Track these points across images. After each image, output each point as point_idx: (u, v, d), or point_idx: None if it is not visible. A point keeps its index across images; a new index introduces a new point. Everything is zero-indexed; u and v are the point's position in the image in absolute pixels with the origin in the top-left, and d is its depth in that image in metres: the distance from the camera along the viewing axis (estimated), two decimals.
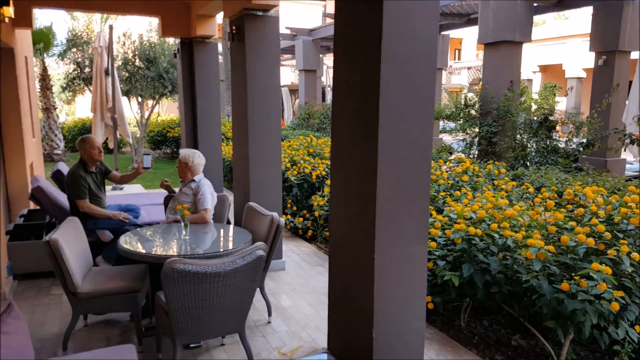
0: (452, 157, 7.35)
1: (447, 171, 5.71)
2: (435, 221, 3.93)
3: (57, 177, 6.11)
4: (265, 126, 5.04)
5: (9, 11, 4.92)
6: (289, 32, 18.16)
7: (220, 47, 14.77)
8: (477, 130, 10.46)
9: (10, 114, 6.17)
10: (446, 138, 12.90)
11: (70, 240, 3.52)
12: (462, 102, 10.92)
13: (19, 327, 2.29)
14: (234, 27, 5.09)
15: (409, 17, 2.60)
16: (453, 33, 16.77)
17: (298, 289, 4.80)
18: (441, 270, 3.62)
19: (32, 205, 6.49)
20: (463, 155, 8.19)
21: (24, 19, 6.06)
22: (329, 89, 23.40)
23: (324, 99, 22.44)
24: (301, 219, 6.51)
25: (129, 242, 3.74)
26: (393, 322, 2.84)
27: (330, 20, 17.41)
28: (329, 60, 23.74)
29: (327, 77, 23.67)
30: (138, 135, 14.37)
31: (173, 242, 3.88)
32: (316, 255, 5.83)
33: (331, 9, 17.23)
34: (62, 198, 5.18)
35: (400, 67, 2.61)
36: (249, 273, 3.10)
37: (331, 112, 3.10)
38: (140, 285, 3.59)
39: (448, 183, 5.25)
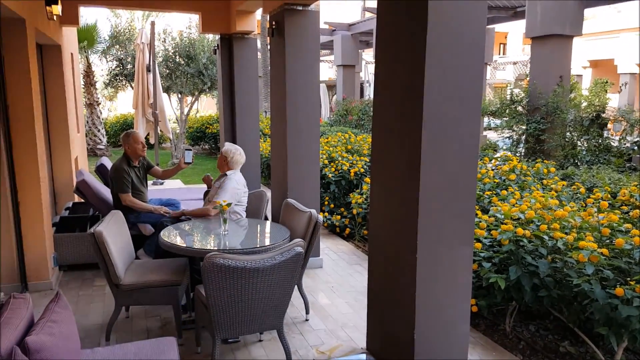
0: (498, 155, 7.13)
1: (493, 169, 5.52)
2: (480, 221, 3.80)
3: (100, 171, 6.26)
4: (304, 122, 4.99)
5: (57, 9, 5.06)
6: (327, 27, 18.08)
7: (258, 44, 14.85)
8: (524, 127, 10.13)
9: (56, 109, 6.36)
10: (491, 135, 12.56)
11: (114, 233, 3.58)
12: (508, 98, 10.60)
13: (66, 316, 2.32)
14: (273, 23, 5.06)
15: (456, 10, 2.50)
16: (498, 27, 16.28)
17: (336, 288, 4.74)
18: (486, 272, 3.49)
19: (76, 198, 6.68)
20: (510, 153, 7.94)
21: (70, 17, 6.23)
22: (367, 84, 23.23)
23: (362, 95, 22.30)
24: (339, 217, 6.45)
25: (170, 236, 3.77)
26: (436, 324, 2.75)
27: (369, 15, 17.22)
28: (367, 55, 23.56)
29: (365, 73, 23.49)
30: (178, 131, 14.64)
31: (213, 236, 3.89)
32: (354, 254, 5.75)
33: (371, 2, 17.04)
34: (106, 191, 5.30)
35: (446, 61, 2.52)
36: (287, 269, 3.06)
37: (373, 108, 3.03)
38: (180, 279, 3.62)
39: (494, 182, 5.07)
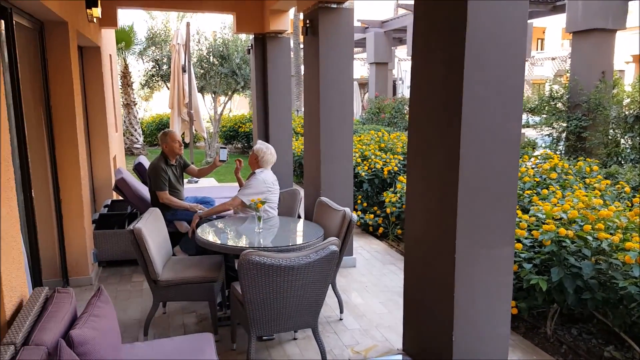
0: (538, 153, 6.93)
1: (532, 168, 5.36)
2: (520, 221, 3.69)
3: (138, 169, 6.40)
4: (337, 121, 4.97)
5: (97, 12, 5.19)
6: (359, 24, 17.99)
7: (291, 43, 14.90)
8: (564, 124, 9.83)
9: (96, 109, 6.54)
10: (529, 133, 12.23)
11: (152, 230, 3.64)
12: (547, 95, 10.31)
13: (108, 311, 2.37)
14: (307, 21, 5.06)
15: (496, 6, 2.44)
16: (536, 22, 15.84)
17: (370, 287, 4.70)
18: (527, 273, 3.39)
19: (115, 196, 6.85)
20: (550, 151, 7.73)
21: (109, 19, 6.39)
22: (400, 82, 22.99)
23: (395, 93, 22.10)
24: (372, 216, 6.40)
25: (206, 234, 3.81)
26: (475, 326, 2.69)
27: (403, 11, 17.05)
28: (400, 52, 23.33)
29: (398, 70, 23.26)
30: (211, 131, 14.85)
31: (248, 234, 3.91)
32: (387, 254, 5.70)
33: None
34: (144, 189, 5.41)
35: (486, 58, 2.46)
36: (322, 268, 3.05)
37: (409, 105, 2.98)
38: (216, 275, 3.65)
39: (534, 181, 4.93)
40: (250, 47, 7.84)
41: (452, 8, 2.49)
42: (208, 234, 3.84)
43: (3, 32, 3.38)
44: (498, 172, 2.59)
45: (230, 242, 3.66)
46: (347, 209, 3.89)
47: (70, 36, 4.45)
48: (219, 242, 3.64)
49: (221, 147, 5.02)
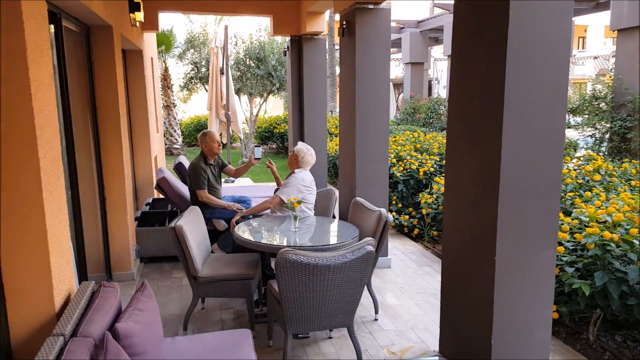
0: (580, 154, 6.72)
1: (575, 170, 5.21)
2: (562, 224, 3.60)
3: (178, 168, 6.57)
4: (373, 121, 4.97)
5: (140, 16, 5.36)
6: (395, 24, 17.88)
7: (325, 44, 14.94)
8: (608, 125, 9.50)
9: (138, 111, 6.73)
10: (570, 134, 11.89)
11: (193, 228, 3.74)
12: (590, 94, 9.99)
13: (151, 305, 2.45)
14: (344, 22, 5.07)
15: (539, 4, 2.39)
16: (577, 20, 15.35)
17: (405, 288, 4.68)
18: (569, 277, 3.30)
19: (155, 194, 7.04)
20: (593, 153, 7.48)
21: (151, 23, 6.57)
22: (436, 82, 22.72)
23: (430, 93, 21.84)
24: (407, 217, 6.35)
25: (243, 232, 3.88)
26: (514, 330, 2.64)
27: (439, 11, 16.84)
28: (436, 52, 23.07)
29: (434, 70, 22.99)
30: (247, 131, 15.06)
31: (284, 233, 3.96)
32: (423, 255, 5.65)
33: None
34: (183, 188, 5.55)
35: (528, 54, 2.42)
36: (358, 268, 3.06)
37: (448, 105, 2.95)
38: (253, 273, 3.71)
39: (577, 182, 4.79)
40: (286, 49, 7.92)
41: (493, 7, 2.46)
42: (245, 232, 3.91)
43: (53, 36, 3.53)
44: (540, 174, 2.55)
45: (267, 241, 3.71)
46: (383, 210, 3.89)
47: (115, 40, 4.60)
48: (256, 240, 3.70)
49: (256, 146, 5.11)
